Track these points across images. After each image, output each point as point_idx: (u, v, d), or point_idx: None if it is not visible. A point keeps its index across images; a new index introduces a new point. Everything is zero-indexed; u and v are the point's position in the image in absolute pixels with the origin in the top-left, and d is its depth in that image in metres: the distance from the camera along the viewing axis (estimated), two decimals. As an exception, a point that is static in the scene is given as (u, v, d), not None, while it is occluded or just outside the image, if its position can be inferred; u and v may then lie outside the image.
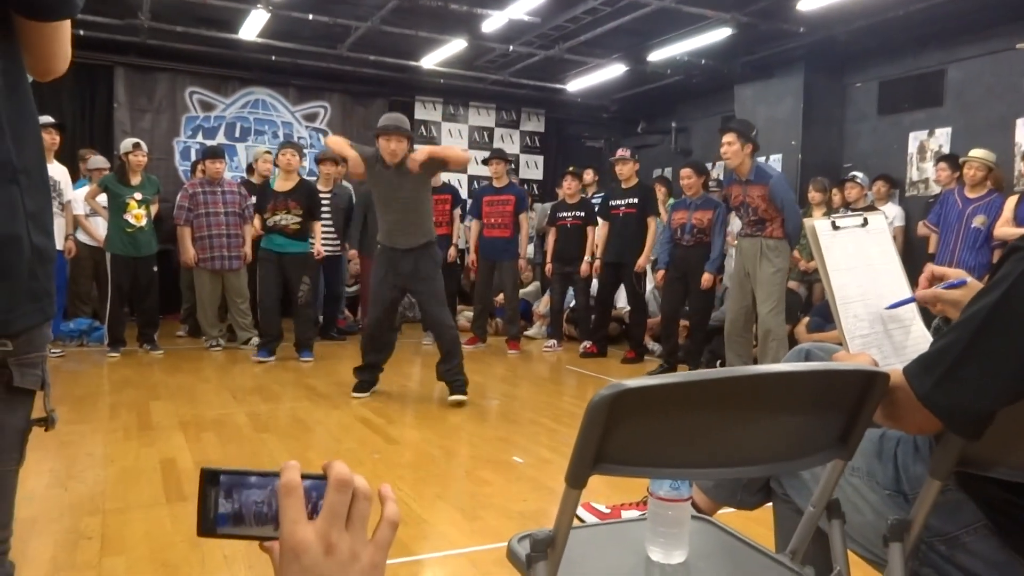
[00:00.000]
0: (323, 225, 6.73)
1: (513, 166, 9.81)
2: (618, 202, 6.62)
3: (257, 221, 6.08)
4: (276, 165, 6.18)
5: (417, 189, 4.56)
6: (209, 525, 0.63)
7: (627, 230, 6.52)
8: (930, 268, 1.48)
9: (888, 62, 7.43)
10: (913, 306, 1.61)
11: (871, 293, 1.60)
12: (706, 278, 5.82)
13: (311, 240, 6.17)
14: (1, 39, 1.05)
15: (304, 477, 0.62)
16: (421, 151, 4.52)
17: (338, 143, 4.70)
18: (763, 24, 7.00)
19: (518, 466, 3.49)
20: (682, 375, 1.02)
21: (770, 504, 1.71)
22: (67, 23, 1.14)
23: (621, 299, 7.15)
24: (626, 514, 1.82)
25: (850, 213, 1.79)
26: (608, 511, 1.83)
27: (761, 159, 5.77)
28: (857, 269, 1.60)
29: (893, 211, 6.65)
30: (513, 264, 6.93)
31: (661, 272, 6.15)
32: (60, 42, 1.15)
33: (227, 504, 0.63)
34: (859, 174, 6.81)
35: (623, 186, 6.62)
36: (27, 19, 1.07)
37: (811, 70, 7.75)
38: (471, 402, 4.72)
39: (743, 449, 1.13)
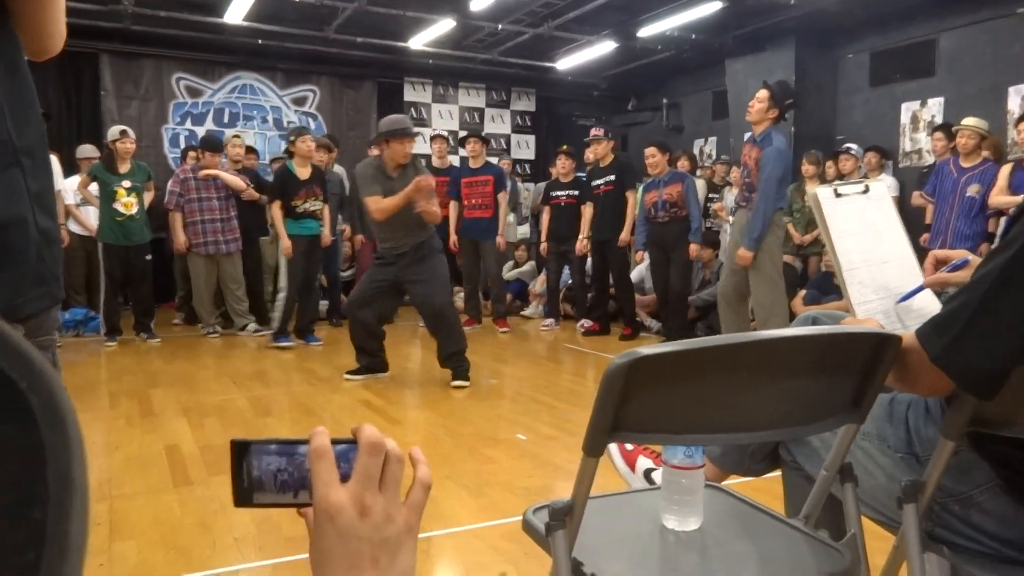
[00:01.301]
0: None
1: (494, 145, 9.78)
2: (598, 181, 6.68)
3: (277, 209, 5.83)
4: (290, 152, 6.01)
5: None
6: (245, 495, 0.63)
7: (607, 207, 6.56)
8: (933, 254, 1.48)
9: (879, 33, 7.41)
10: (918, 271, 1.61)
11: (875, 259, 1.60)
12: (692, 249, 5.86)
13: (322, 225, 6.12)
14: (-3, 19, 1.03)
15: (334, 442, 0.62)
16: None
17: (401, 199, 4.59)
18: (753, -3, 6.96)
19: (521, 443, 3.51)
20: (696, 341, 1.02)
21: (776, 474, 1.72)
22: (61, 1, 1.13)
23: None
24: (641, 460, 1.85)
25: (852, 182, 1.79)
26: (631, 448, 1.88)
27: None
28: (861, 235, 1.61)
29: (887, 182, 6.66)
30: (494, 243, 6.92)
31: (640, 252, 6.23)
32: (55, 19, 1.13)
33: (259, 473, 0.63)
34: (853, 146, 6.81)
35: (600, 165, 6.66)
36: None
37: (802, 42, 7.72)
38: (472, 382, 4.72)
39: (757, 414, 1.13)
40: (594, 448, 1.03)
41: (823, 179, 6.69)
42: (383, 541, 0.60)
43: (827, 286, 5.84)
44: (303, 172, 5.87)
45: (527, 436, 3.61)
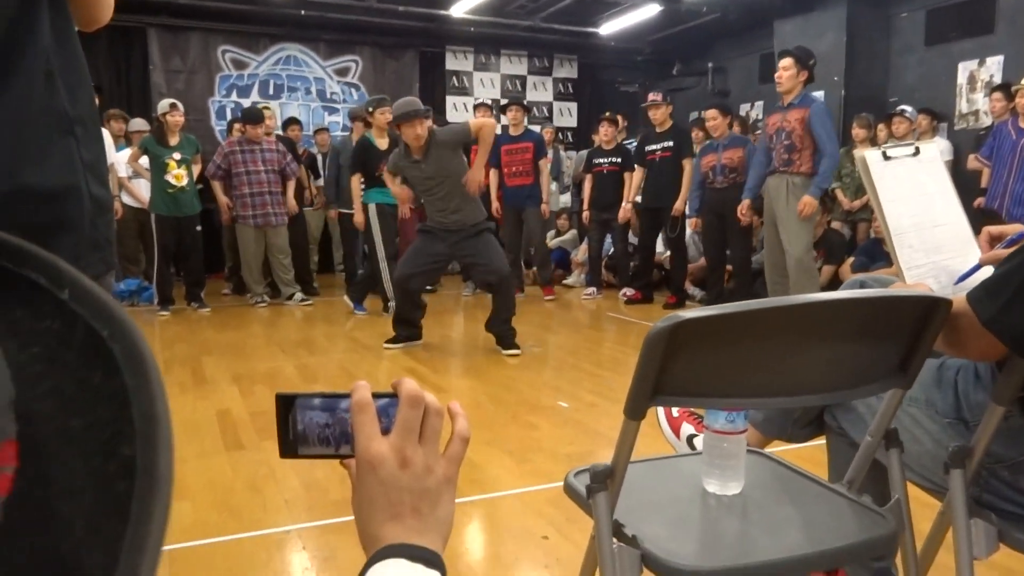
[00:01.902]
0: None
1: (536, 113, 9.69)
2: (653, 147, 6.53)
3: (356, 180, 5.84)
4: (368, 123, 6.02)
5: (448, 170, 4.48)
6: (290, 447, 0.65)
7: (663, 174, 6.43)
8: (987, 231, 1.44)
9: (937, -12, 7.12)
10: (970, 235, 1.57)
11: (925, 223, 1.57)
12: (743, 205, 5.58)
13: None
14: (49, -9, 1.05)
15: (375, 396, 0.64)
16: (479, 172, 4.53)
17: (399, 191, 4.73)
18: (803, -46, 6.74)
19: (564, 410, 3.53)
20: (739, 304, 1.01)
21: (817, 442, 1.71)
22: (111, -30, 1.15)
23: (658, 245, 7.10)
24: (685, 427, 1.86)
25: (901, 144, 1.74)
26: (677, 415, 1.89)
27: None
28: (911, 199, 1.57)
29: (941, 145, 6.44)
30: (537, 210, 6.89)
31: (695, 219, 6.10)
32: (105, -10, 1.15)
33: (303, 426, 0.65)
34: (907, 108, 6.59)
35: (657, 130, 6.52)
36: None
37: (854, 1, 7.46)
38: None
39: (801, 378, 1.12)
40: (635, 411, 1.04)
41: (874, 143, 6.50)
42: (423, 491, 0.62)
43: (876, 253, 5.70)
44: (382, 143, 5.89)
45: (569, 403, 3.63)
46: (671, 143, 6.42)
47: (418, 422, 0.63)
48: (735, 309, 1.00)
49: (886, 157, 1.56)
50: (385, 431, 0.63)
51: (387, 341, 4.87)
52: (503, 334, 4.68)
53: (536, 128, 7.66)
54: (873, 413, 1.40)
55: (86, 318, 0.28)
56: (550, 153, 7.43)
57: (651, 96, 6.57)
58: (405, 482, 0.62)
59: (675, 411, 2.02)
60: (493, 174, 7.00)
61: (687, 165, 6.41)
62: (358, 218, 5.79)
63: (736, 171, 5.81)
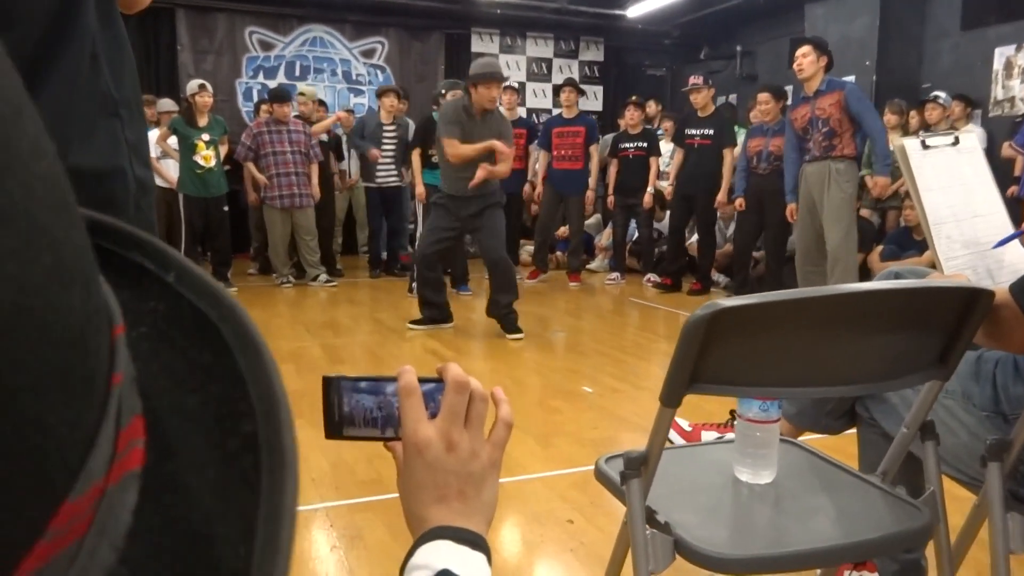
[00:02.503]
0: (384, 158, 6.80)
1: (585, 94, 9.62)
2: (693, 131, 6.39)
3: (416, 155, 5.86)
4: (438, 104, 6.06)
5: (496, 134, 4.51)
6: (335, 428, 0.66)
7: (702, 161, 6.31)
8: None
9: (974, -28, 6.96)
10: (1009, 227, 1.55)
11: (964, 213, 1.54)
12: (790, 208, 5.38)
13: None
14: (94, -27, 1.06)
15: (420, 380, 0.64)
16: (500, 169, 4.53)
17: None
18: (837, -64, 6.61)
19: (587, 395, 3.53)
20: (778, 294, 1.01)
21: (848, 433, 1.70)
22: (152, -47, 1.15)
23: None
24: (705, 435, 1.84)
25: (940, 133, 1.71)
26: (690, 429, 1.86)
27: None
28: (949, 189, 1.55)
29: (975, 132, 6.32)
30: (582, 198, 6.84)
31: (740, 199, 5.92)
32: (146, -26, 1.16)
33: (349, 408, 0.66)
34: (941, 94, 6.46)
35: (699, 115, 6.39)
36: None
37: (889, -16, 7.32)
38: (537, 334, 4.76)
39: (838, 369, 1.12)
40: (671, 399, 1.04)
41: (906, 130, 6.40)
42: (469, 475, 0.63)
43: (906, 241, 5.62)
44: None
45: (593, 388, 3.63)
46: (712, 130, 6.29)
47: (464, 407, 0.64)
48: (774, 298, 1.00)
49: (925, 146, 1.54)
50: (432, 415, 0.64)
51: (412, 322, 4.89)
52: (503, 318, 4.67)
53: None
54: (906, 404, 1.39)
55: (192, 300, 0.29)
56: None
57: (692, 79, 6.43)
58: (451, 466, 0.63)
59: (686, 425, 2.01)
60: (542, 156, 6.96)
61: (727, 155, 6.25)
62: (419, 190, 5.78)
63: (782, 160, 5.67)
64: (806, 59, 4.79)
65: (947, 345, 1.15)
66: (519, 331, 4.66)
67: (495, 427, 0.66)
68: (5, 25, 0.93)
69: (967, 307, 1.11)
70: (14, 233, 0.18)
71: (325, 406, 0.66)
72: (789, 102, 8.57)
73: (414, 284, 5.78)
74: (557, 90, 7.81)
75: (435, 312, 4.87)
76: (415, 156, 5.85)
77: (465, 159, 4.39)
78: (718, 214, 6.65)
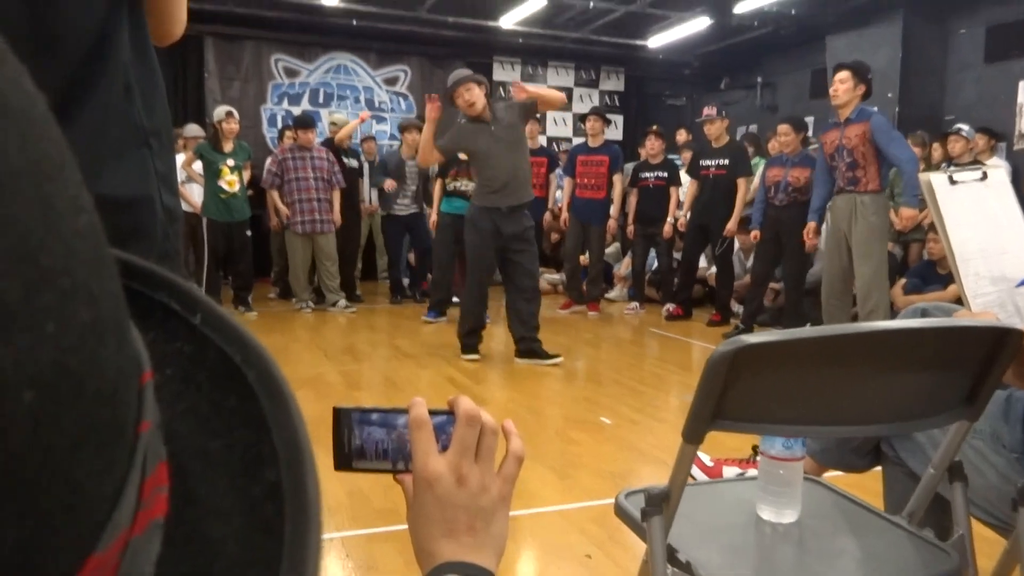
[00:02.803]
0: (404, 191, 6.92)
1: (582, 126, 9.67)
2: (708, 162, 6.41)
3: (438, 187, 6.10)
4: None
5: (519, 133, 4.50)
6: (345, 460, 0.66)
7: (716, 191, 6.31)
8: None
9: (997, 4, 6.95)
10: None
11: (993, 249, 1.52)
12: (809, 227, 5.34)
13: None
14: (129, 7, 1.08)
15: (431, 413, 0.64)
16: (526, 89, 4.58)
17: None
18: (859, -31, 6.65)
19: (606, 427, 3.50)
20: (802, 331, 1.00)
21: (877, 469, 1.67)
22: (185, -12, 1.18)
23: (702, 260, 7.02)
24: (727, 470, 1.81)
25: (967, 167, 1.70)
26: (712, 464, 1.83)
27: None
28: (977, 224, 1.53)
29: (1001, 166, 6.27)
30: (602, 228, 6.85)
31: (755, 232, 5.91)
32: (179, 5, 1.19)
33: (359, 440, 0.66)
34: (964, 126, 6.42)
35: (713, 145, 6.41)
36: None
37: (911, 16, 7.32)
38: (555, 363, 4.74)
39: (863, 407, 1.10)
40: (694, 435, 1.02)
41: (929, 162, 6.36)
42: (479, 509, 0.63)
43: (929, 275, 5.56)
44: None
45: (611, 419, 3.60)
46: (726, 160, 6.30)
47: (474, 440, 0.64)
48: (799, 336, 0.99)
49: (952, 181, 1.52)
50: (442, 448, 0.64)
51: (465, 351, 4.80)
52: (529, 341, 4.68)
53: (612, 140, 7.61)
54: (933, 444, 1.37)
55: (218, 342, 0.29)
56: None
57: (706, 111, 6.46)
58: (461, 500, 0.62)
59: (708, 460, 1.98)
60: (567, 183, 6.99)
61: (741, 185, 6.27)
62: (434, 219, 6.04)
63: (799, 191, 5.62)
64: (843, 85, 4.68)
65: (975, 384, 1.13)
66: (552, 355, 4.65)
67: (505, 461, 0.66)
68: (45, 53, 0.96)
69: (996, 346, 1.09)
70: (55, 292, 0.18)
71: (335, 437, 0.66)
72: (810, 133, 8.56)
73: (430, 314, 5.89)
74: (578, 119, 7.86)
75: (477, 338, 4.84)
76: (437, 186, 5.93)
77: (423, 142, 4.51)
78: (736, 245, 6.62)
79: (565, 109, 10.35)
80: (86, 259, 0.20)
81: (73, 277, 0.19)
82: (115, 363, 0.21)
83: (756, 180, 6.28)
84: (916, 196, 4.68)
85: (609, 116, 10.65)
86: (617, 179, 6.84)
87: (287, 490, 0.26)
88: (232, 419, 0.28)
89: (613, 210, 6.86)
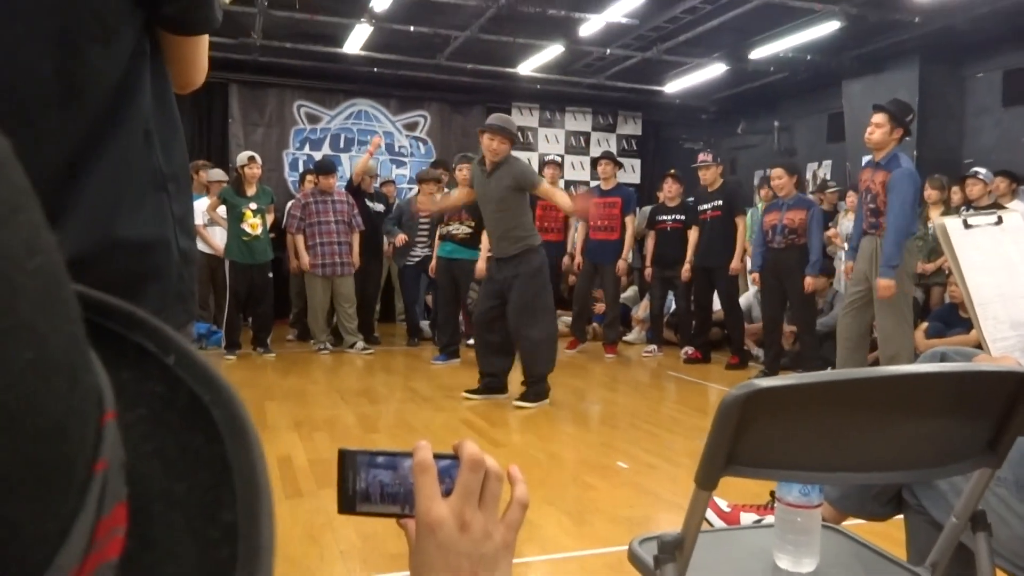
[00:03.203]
0: (419, 239, 7.03)
1: (623, 167, 9.73)
2: (704, 206, 6.55)
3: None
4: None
5: (508, 195, 4.52)
6: (349, 503, 0.66)
7: (715, 233, 6.42)
8: None
9: (1015, 49, 6.96)
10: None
11: (1011, 294, 1.51)
12: (808, 282, 5.59)
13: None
14: (151, 56, 1.11)
15: (436, 457, 0.64)
16: (553, 192, 4.72)
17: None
18: (874, 15, 6.71)
19: (623, 471, 3.45)
20: (816, 375, 0.99)
21: (898, 517, 1.63)
22: (206, 38, 1.21)
23: (717, 303, 7.00)
24: (744, 516, 1.77)
25: (982, 211, 1.69)
26: (729, 510, 1.79)
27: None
28: (994, 268, 1.51)
29: (1021, 209, 6.22)
30: (614, 268, 6.87)
31: (755, 274, 5.99)
32: (199, 56, 1.22)
33: (364, 483, 0.66)
34: (981, 170, 6.40)
35: (709, 189, 6.53)
36: (172, 34, 1.14)
37: (927, 62, 7.36)
38: (572, 406, 4.71)
39: (882, 454, 1.08)
40: (707, 481, 1.01)
41: (947, 205, 6.33)
42: (481, 557, 0.62)
43: (952, 318, 5.49)
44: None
45: (628, 464, 3.56)
46: (720, 202, 6.42)
47: (478, 486, 0.63)
48: (813, 380, 0.97)
49: (967, 225, 1.51)
50: (446, 493, 0.63)
51: (467, 391, 4.82)
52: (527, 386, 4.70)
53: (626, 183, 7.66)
54: (956, 491, 1.34)
55: (189, 383, 0.29)
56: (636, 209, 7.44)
57: (701, 157, 6.62)
58: (464, 547, 0.61)
59: (725, 506, 1.94)
60: (581, 226, 7.05)
61: (740, 223, 6.42)
62: (432, 263, 6.25)
63: (796, 233, 5.69)
64: (880, 129, 4.59)
65: (997, 431, 1.10)
66: (528, 401, 4.64)
67: (510, 507, 0.65)
68: (71, 102, 0.99)
69: (1017, 391, 1.07)
70: None
71: (340, 480, 0.66)
72: (827, 175, 8.57)
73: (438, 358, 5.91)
74: (594, 161, 7.94)
75: (491, 382, 4.81)
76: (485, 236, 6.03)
77: (431, 211, 4.63)
78: (752, 288, 6.61)
79: (583, 153, 10.47)
80: (35, 299, 0.20)
81: (15, 317, 0.19)
82: (63, 401, 0.21)
83: (743, 228, 6.45)
84: (892, 267, 4.45)
85: (626, 160, 10.78)
86: (629, 221, 6.88)
87: (241, 533, 0.26)
88: (197, 460, 0.28)
89: (625, 250, 6.88)
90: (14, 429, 0.19)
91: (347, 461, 0.66)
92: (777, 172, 5.89)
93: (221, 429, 0.28)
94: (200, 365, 0.30)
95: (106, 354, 0.25)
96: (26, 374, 0.20)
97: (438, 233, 6.39)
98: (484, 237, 6.01)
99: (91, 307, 0.24)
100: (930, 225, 6.31)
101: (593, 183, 9.46)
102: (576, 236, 7.34)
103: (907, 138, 4.75)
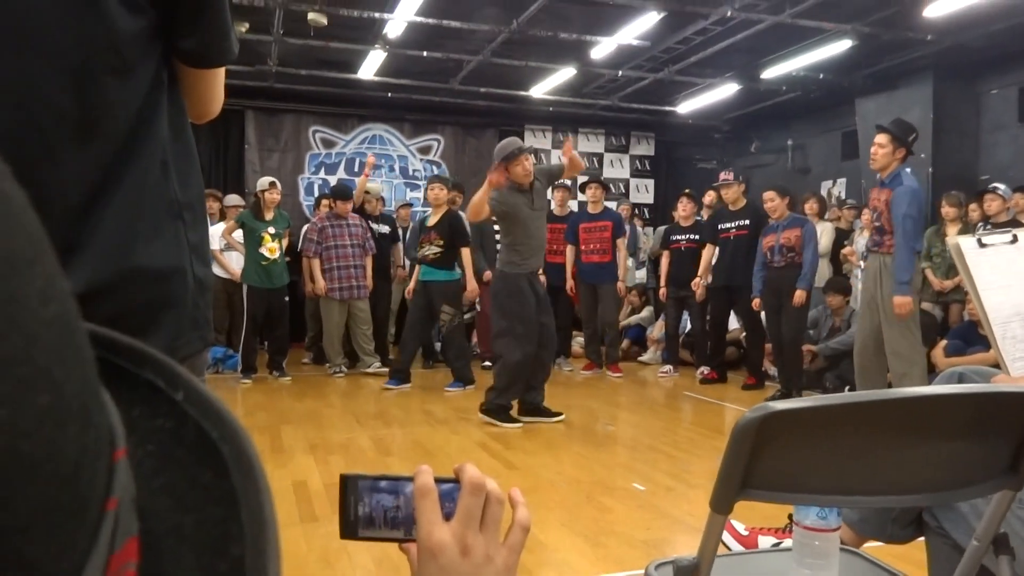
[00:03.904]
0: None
1: (612, 190, 9.74)
2: (728, 224, 6.50)
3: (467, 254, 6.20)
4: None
5: (544, 209, 4.71)
6: (350, 528, 0.66)
7: (739, 252, 6.36)
8: None
9: (1029, 66, 6.94)
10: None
11: (1030, 312, 1.49)
12: (798, 295, 5.59)
13: (459, 268, 6.16)
14: (168, 87, 1.14)
15: (437, 480, 0.64)
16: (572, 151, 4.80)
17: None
18: (886, 34, 6.72)
19: (639, 493, 3.43)
20: (834, 397, 0.98)
21: (920, 540, 1.61)
22: (222, 70, 1.23)
23: (733, 322, 6.96)
24: (762, 540, 1.75)
25: (996, 230, 1.67)
26: (747, 533, 1.77)
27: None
28: (1011, 288, 1.49)
29: (1039, 225, 6.16)
30: (613, 287, 6.87)
31: (756, 300, 5.98)
32: (216, 87, 1.25)
33: (366, 508, 0.66)
34: (1000, 186, 6.35)
35: (731, 208, 6.50)
36: (188, 67, 1.16)
37: (940, 78, 7.34)
38: (587, 428, 4.69)
39: (900, 477, 1.07)
40: (722, 505, 1.00)
41: (965, 222, 6.28)
42: None
43: (971, 336, 5.43)
44: (432, 219, 6.09)
45: (645, 486, 3.53)
46: (747, 221, 6.36)
47: (480, 509, 0.63)
48: (829, 402, 0.97)
49: (981, 244, 1.50)
50: (447, 517, 0.63)
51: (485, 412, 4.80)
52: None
53: (613, 205, 7.72)
54: (977, 513, 1.32)
55: (197, 419, 0.30)
56: (627, 229, 7.46)
57: (723, 175, 6.58)
58: (466, 570, 0.61)
59: (743, 529, 1.93)
60: (570, 250, 7.05)
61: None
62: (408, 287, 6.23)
63: (793, 250, 5.73)
64: (882, 150, 4.65)
65: (1017, 452, 1.09)
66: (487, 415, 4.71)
67: (511, 531, 0.65)
68: (91, 133, 1.01)
69: (1037, 412, 1.06)
70: (11, 380, 0.19)
71: (341, 505, 0.66)
72: (842, 193, 8.54)
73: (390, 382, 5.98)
74: (580, 186, 7.93)
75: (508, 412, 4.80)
76: (466, 254, 6.03)
77: (477, 203, 4.64)
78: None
79: (595, 173, 10.49)
80: (50, 346, 0.21)
81: (32, 365, 0.20)
82: (78, 444, 0.22)
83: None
84: (903, 283, 4.46)
85: (640, 180, 10.80)
86: (620, 243, 6.88)
87: (248, 567, 0.26)
88: (206, 495, 0.29)
89: (621, 272, 6.88)
90: (32, 475, 0.20)
91: (349, 486, 0.66)
92: (769, 195, 5.92)
93: (229, 464, 0.29)
94: (208, 401, 0.30)
95: (116, 391, 0.26)
96: (43, 421, 0.20)
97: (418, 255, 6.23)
98: (466, 257, 6.06)
99: (101, 344, 0.24)
100: (948, 242, 6.26)
101: (607, 204, 9.47)
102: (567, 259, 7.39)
103: (911, 156, 4.79)
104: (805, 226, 5.83)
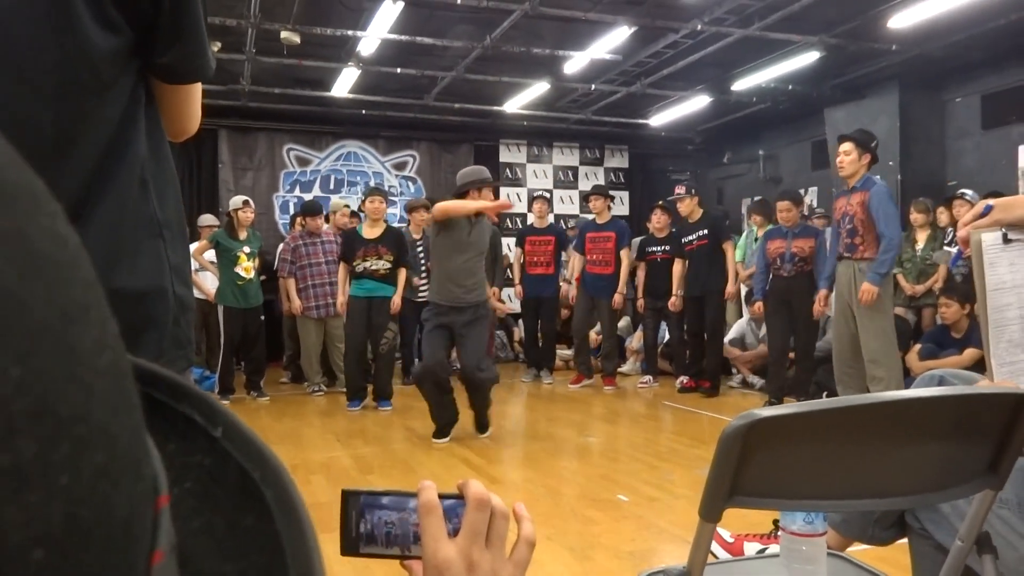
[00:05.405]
0: (422, 274, 6.94)
1: (614, 199, 9.79)
2: (689, 237, 6.60)
3: (342, 270, 6.01)
4: (362, 212, 6.29)
5: (484, 243, 4.61)
6: (352, 544, 0.65)
7: (702, 262, 6.47)
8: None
9: (991, 74, 7.11)
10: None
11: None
12: (821, 294, 5.42)
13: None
14: (146, 105, 1.13)
15: (441, 496, 0.63)
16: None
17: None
18: (853, 45, 6.85)
19: (624, 504, 3.43)
20: (817, 403, 0.99)
21: (902, 541, 1.62)
22: (199, 86, 1.23)
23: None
24: (748, 546, 1.75)
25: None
26: (733, 540, 1.77)
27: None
28: (1021, 290, 1.47)
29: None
30: (611, 302, 6.88)
31: (758, 303, 5.99)
32: (193, 104, 1.24)
33: (367, 524, 0.65)
34: (968, 191, 6.47)
35: (689, 221, 6.60)
36: (165, 83, 1.15)
37: (906, 88, 7.50)
38: (571, 440, 4.69)
39: (884, 480, 1.08)
40: (711, 513, 1.00)
41: (934, 227, 6.39)
42: None
43: (944, 339, 5.51)
44: (370, 232, 5.91)
45: (628, 497, 3.53)
46: (706, 231, 6.48)
47: (485, 525, 0.63)
48: (814, 408, 0.98)
49: (1007, 240, 1.43)
50: (451, 533, 0.62)
51: (434, 435, 4.74)
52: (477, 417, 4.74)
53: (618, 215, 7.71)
54: (959, 514, 1.33)
55: (238, 458, 0.29)
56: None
57: (677, 189, 6.71)
58: None
59: (728, 536, 1.93)
60: (576, 259, 7.07)
61: (728, 249, 6.49)
62: (339, 301, 6.03)
63: (805, 260, 5.71)
64: (848, 157, 4.77)
65: (997, 452, 1.11)
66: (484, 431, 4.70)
67: (516, 546, 0.65)
68: (68, 152, 0.99)
69: (1016, 412, 1.08)
70: (71, 443, 0.18)
71: (342, 521, 0.65)
72: (815, 203, 8.66)
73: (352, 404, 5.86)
74: (584, 196, 8.02)
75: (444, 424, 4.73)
76: (342, 269, 5.99)
77: (449, 211, 4.39)
78: (746, 315, 6.63)
79: (571, 187, 10.55)
80: (105, 399, 0.20)
81: (90, 422, 0.19)
82: (128, 499, 0.21)
83: (738, 251, 6.45)
84: (879, 274, 4.60)
85: (615, 192, 10.84)
86: (624, 254, 6.91)
87: None
88: (248, 541, 0.27)
89: (621, 284, 6.91)
90: (87, 543, 0.19)
91: (350, 502, 0.65)
92: (784, 205, 5.87)
93: (272, 508, 0.27)
94: (248, 438, 0.29)
95: (154, 426, 0.24)
96: (98, 481, 0.19)
97: (342, 272, 6.04)
98: (403, 276, 6.00)
99: (140, 377, 0.23)
100: (918, 248, 6.37)
101: (585, 215, 9.53)
102: (567, 269, 7.40)
103: (877, 163, 4.92)
104: (819, 237, 5.82)
